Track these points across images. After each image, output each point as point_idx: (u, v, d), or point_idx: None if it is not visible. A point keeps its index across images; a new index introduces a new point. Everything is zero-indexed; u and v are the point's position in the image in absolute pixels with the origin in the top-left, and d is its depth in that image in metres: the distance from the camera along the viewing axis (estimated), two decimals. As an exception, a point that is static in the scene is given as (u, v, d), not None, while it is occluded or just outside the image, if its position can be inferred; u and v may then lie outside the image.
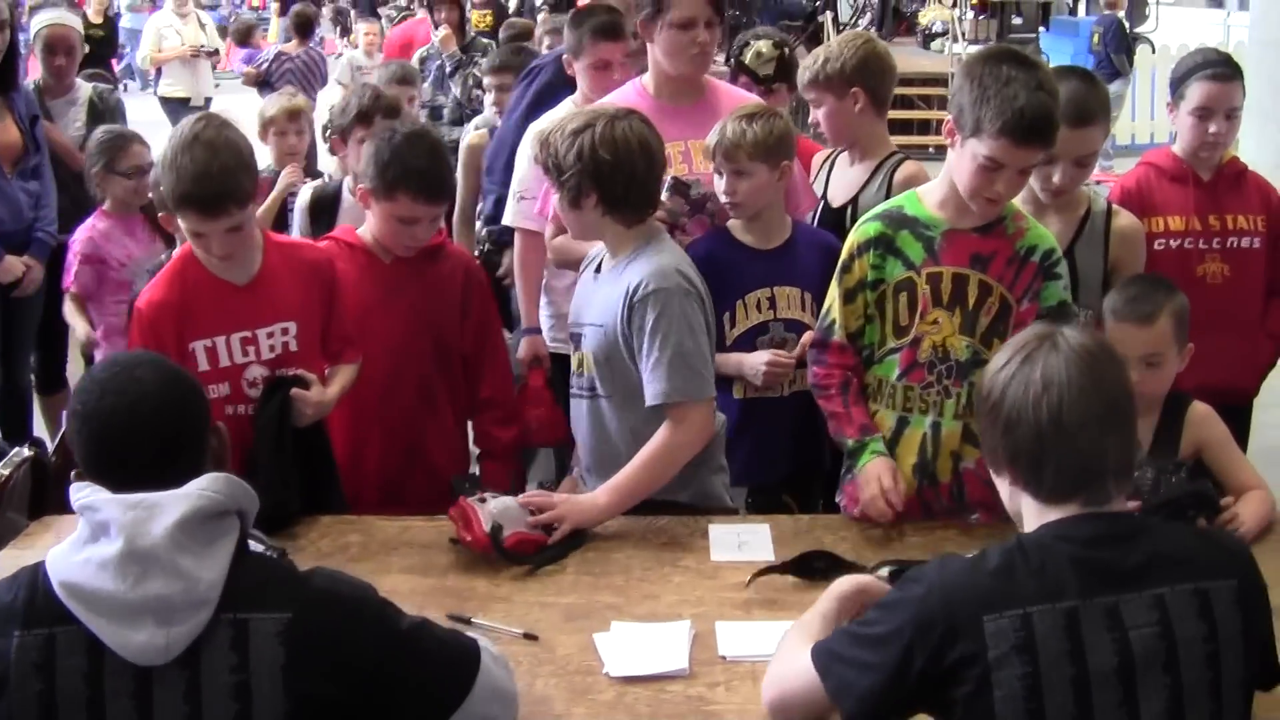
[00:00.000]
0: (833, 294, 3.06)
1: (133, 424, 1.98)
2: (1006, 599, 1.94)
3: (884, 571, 2.55)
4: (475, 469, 3.68)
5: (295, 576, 2.02)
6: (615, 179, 3.01)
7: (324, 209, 4.41)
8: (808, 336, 3.32)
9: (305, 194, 4.54)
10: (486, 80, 5.23)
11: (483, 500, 2.88)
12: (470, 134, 5.42)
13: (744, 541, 2.92)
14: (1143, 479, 2.85)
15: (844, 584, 2.30)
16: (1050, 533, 2.01)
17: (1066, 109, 3.01)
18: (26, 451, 3.39)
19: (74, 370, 5.82)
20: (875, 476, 2.93)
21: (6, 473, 3.28)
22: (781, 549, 2.89)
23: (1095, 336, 2.21)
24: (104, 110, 5.74)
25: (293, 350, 3.23)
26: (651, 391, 3.00)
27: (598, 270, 3.20)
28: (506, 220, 4.37)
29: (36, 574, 1.94)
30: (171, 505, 1.91)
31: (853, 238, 3.03)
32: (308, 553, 2.94)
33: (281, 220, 4.87)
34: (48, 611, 1.90)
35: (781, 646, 2.25)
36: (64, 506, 2.21)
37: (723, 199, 3.48)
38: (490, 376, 3.61)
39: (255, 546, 2.45)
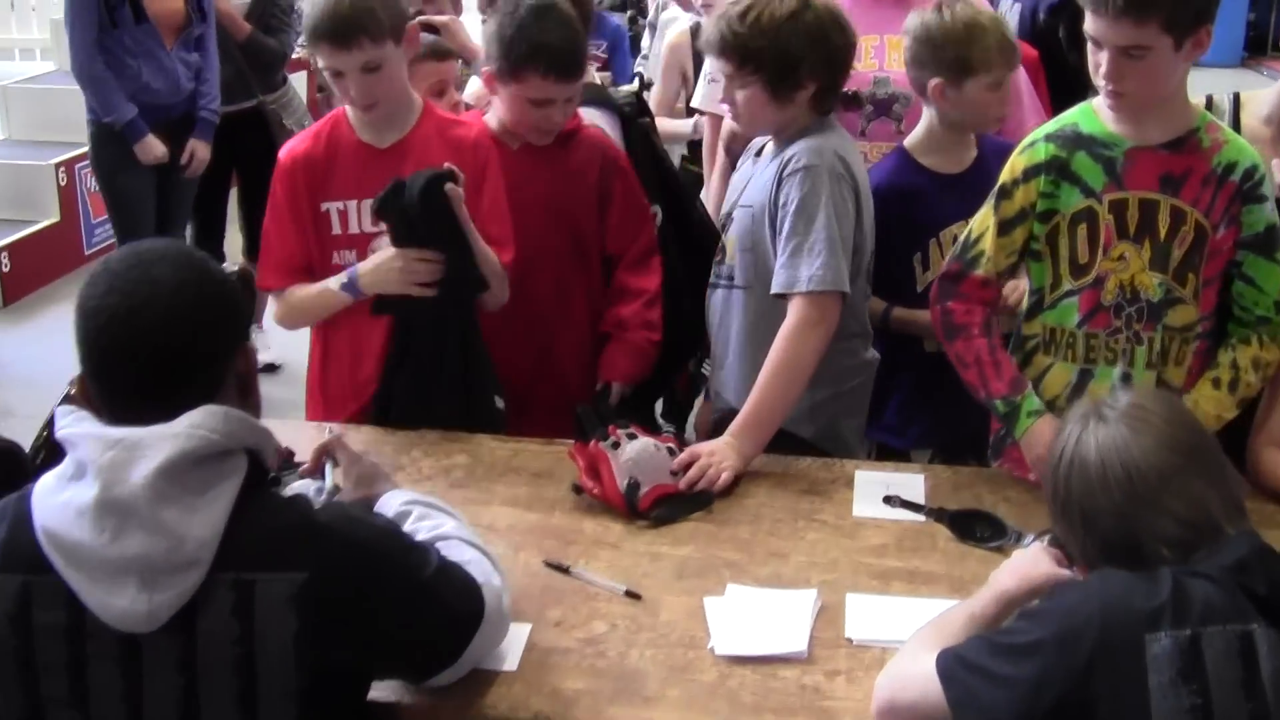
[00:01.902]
0: (985, 220, 2.59)
1: (136, 332, 1.63)
2: (1175, 617, 1.60)
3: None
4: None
5: (312, 525, 1.70)
6: (839, 67, 2.77)
7: None
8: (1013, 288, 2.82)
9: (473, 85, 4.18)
10: None
11: (615, 445, 2.54)
12: (670, 35, 4.96)
13: (895, 493, 2.54)
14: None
15: (1010, 581, 1.93)
16: (1201, 566, 1.66)
17: None
18: None
19: (231, 243, 5.70)
20: (1046, 445, 2.39)
21: None
22: (936, 502, 2.52)
23: (1141, 389, 1.96)
24: (269, -24, 5.53)
25: None
26: (786, 277, 2.68)
27: (758, 155, 2.91)
28: (695, 103, 4.11)
29: (22, 508, 1.66)
30: (155, 446, 1.59)
31: (1018, 159, 2.57)
32: (408, 473, 2.68)
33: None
34: (25, 556, 1.62)
35: (912, 640, 1.91)
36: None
37: (985, 128, 3.02)
38: (642, 275, 3.20)
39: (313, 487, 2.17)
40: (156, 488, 1.58)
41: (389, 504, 2.05)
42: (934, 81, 2.96)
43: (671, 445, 2.62)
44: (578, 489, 2.54)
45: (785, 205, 2.69)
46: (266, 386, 5.75)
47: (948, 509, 2.46)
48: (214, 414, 1.63)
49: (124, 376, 1.65)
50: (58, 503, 1.62)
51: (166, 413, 1.62)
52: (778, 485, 2.61)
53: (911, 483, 2.60)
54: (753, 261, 2.80)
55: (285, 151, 3.02)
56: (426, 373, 2.88)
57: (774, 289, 2.70)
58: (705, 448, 2.61)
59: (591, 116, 3.37)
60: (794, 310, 2.66)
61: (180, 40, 5.10)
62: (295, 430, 2.70)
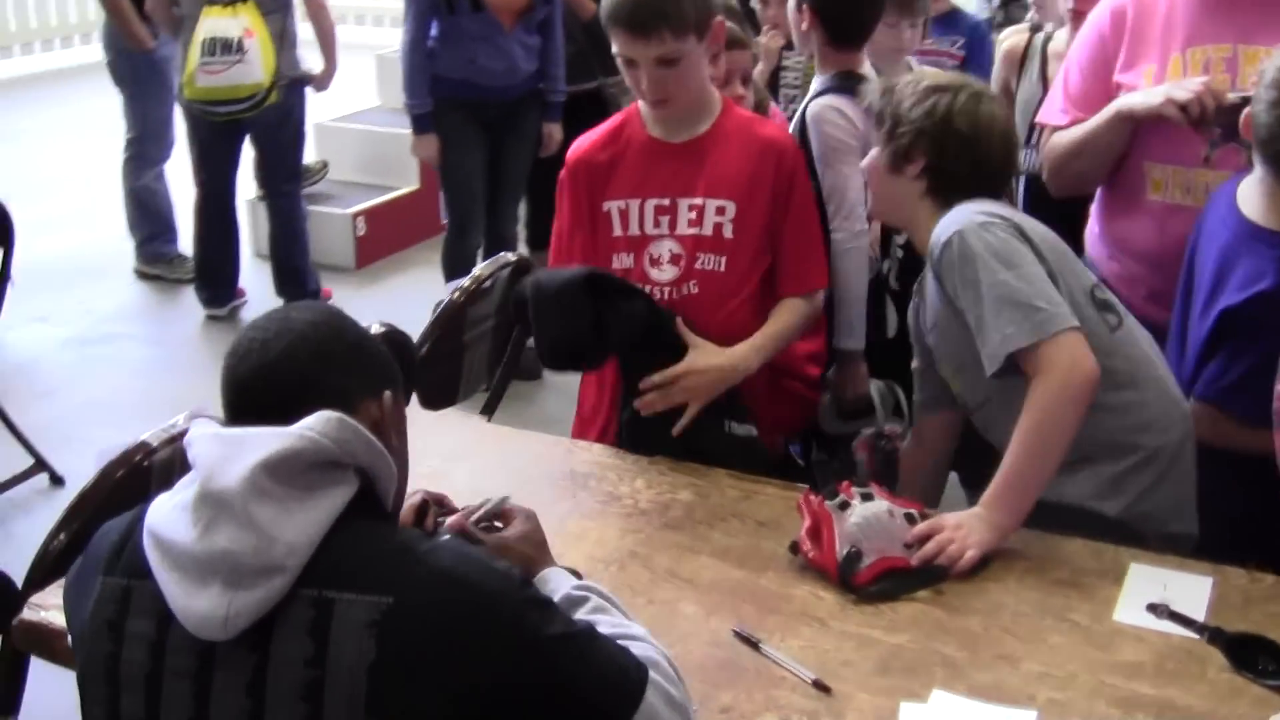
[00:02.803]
0: None
1: (266, 360, 1.61)
2: None
3: None
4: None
5: (410, 550, 1.52)
6: (961, 155, 2.46)
7: None
8: None
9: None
10: None
11: (844, 505, 2.23)
12: (1006, 41, 4.49)
13: (1169, 596, 2.14)
14: None
15: None
16: None
17: None
18: (511, 257, 3.55)
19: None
20: None
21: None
22: (1221, 616, 2.10)
23: None
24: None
25: (726, 237, 2.73)
26: (986, 356, 2.32)
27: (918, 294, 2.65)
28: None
29: (140, 513, 1.60)
30: (261, 443, 1.50)
31: None
32: (623, 504, 2.48)
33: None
34: (131, 560, 1.56)
35: None
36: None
37: None
38: None
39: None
40: (255, 482, 1.48)
41: (557, 582, 1.83)
42: None
43: (912, 511, 2.29)
44: (795, 548, 2.26)
45: (956, 295, 2.37)
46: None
47: (1227, 629, 2.04)
48: (329, 419, 1.53)
49: (254, 404, 1.60)
50: (169, 504, 1.55)
51: None
52: (1032, 570, 2.25)
53: (1195, 587, 2.18)
54: (978, 377, 2.40)
55: (572, 149, 2.86)
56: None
57: (988, 373, 2.33)
58: (951, 519, 2.27)
59: (826, 102, 3.17)
60: (1031, 373, 2.29)
61: (521, 23, 5.07)
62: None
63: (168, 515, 1.53)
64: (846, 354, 3.16)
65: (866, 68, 3.31)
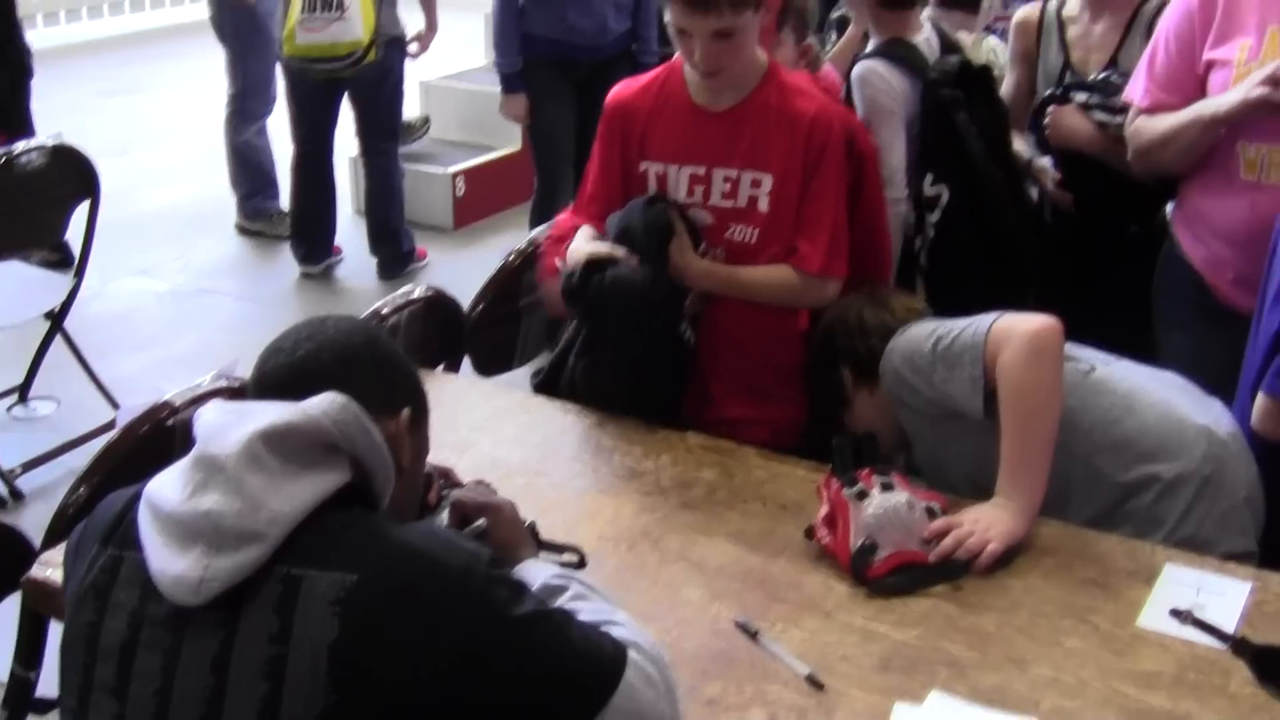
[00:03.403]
0: None
1: (294, 362, 1.62)
2: None
3: None
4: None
5: (378, 530, 1.50)
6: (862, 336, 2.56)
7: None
8: None
9: None
10: None
11: (862, 495, 2.15)
12: (1023, 8, 4.15)
13: (1200, 602, 2.03)
14: None
15: None
16: None
17: None
18: None
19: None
20: None
21: None
22: (1255, 625, 1.99)
23: None
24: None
25: (761, 210, 2.66)
26: (968, 404, 2.29)
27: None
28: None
29: (142, 487, 1.59)
30: (261, 414, 1.51)
31: None
32: (644, 481, 2.42)
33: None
34: (126, 532, 1.56)
35: None
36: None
37: None
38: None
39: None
40: (250, 450, 1.48)
41: (533, 574, 1.76)
42: None
43: (933, 505, 2.20)
44: (810, 533, 2.18)
45: (917, 388, 2.38)
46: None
47: (1255, 639, 1.93)
48: (333, 400, 1.53)
49: (273, 398, 1.59)
50: (168, 473, 1.55)
51: None
52: (1061, 567, 2.14)
53: (1230, 592, 2.06)
54: (991, 460, 2.28)
55: (612, 94, 2.81)
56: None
57: (978, 408, 2.28)
58: (969, 514, 2.18)
59: (870, 65, 3.10)
60: (991, 374, 2.25)
61: (614, -20, 5.02)
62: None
63: (164, 480, 1.54)
64: None
65: (922, 34, 3.23)
